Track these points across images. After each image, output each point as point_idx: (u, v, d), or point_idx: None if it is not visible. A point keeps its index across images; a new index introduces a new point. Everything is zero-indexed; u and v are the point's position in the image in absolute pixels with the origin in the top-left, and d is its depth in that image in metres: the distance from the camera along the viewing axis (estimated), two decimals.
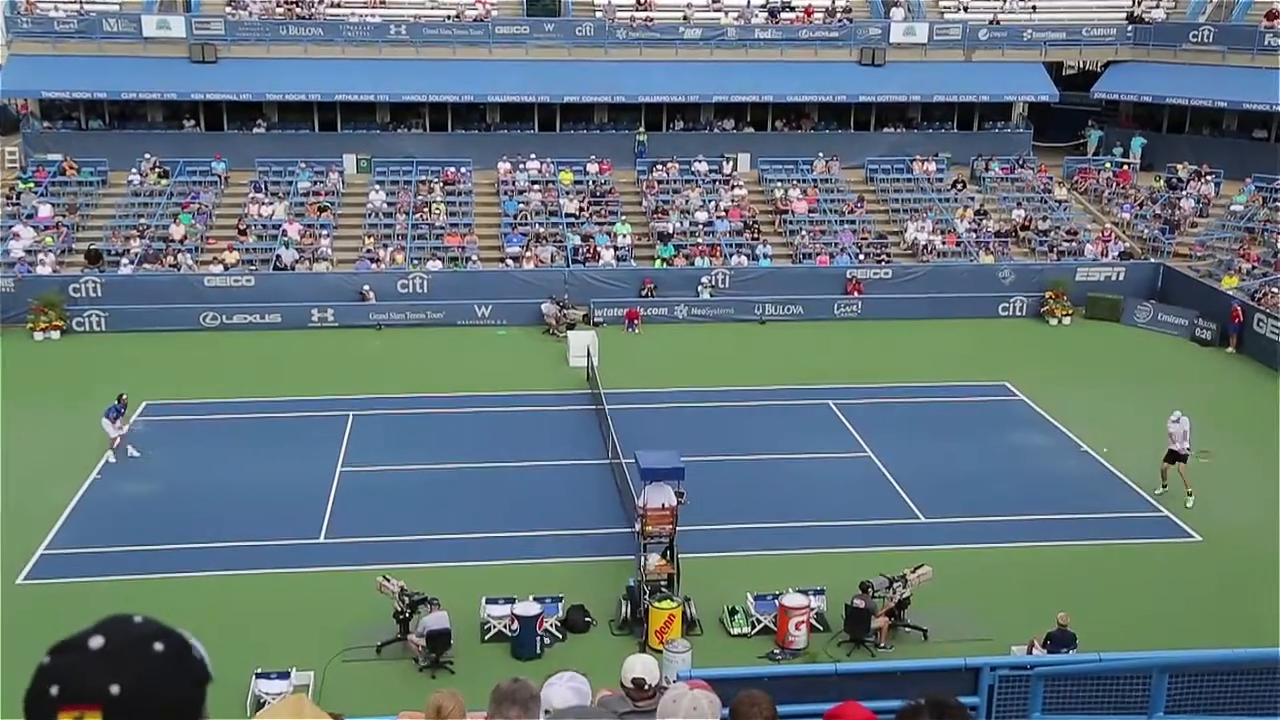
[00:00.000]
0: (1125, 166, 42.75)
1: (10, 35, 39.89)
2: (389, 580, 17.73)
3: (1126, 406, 28.51)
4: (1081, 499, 23.33)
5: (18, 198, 37.33)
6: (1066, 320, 35.29)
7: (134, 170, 39.11)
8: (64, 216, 36.69)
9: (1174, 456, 23.15)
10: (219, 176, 39.40)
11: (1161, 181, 41.57)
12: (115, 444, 24.05)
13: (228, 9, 41.53)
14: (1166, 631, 18.18)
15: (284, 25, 40.72)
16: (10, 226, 35.77)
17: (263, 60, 40.12)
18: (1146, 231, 38.97)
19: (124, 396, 24.67)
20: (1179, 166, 41.69)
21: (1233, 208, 39.47)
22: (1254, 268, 35.66)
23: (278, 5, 41.95)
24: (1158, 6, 45.40)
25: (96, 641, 1.95)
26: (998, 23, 43.90)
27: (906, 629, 18.15)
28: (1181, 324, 34.17)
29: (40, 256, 34.43)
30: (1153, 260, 37.45)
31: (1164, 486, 23.33)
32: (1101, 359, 32.38)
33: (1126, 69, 43.84)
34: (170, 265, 34.88)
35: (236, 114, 41.48)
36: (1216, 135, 43.37)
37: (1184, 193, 40.55)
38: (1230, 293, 33.78)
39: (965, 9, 44.83)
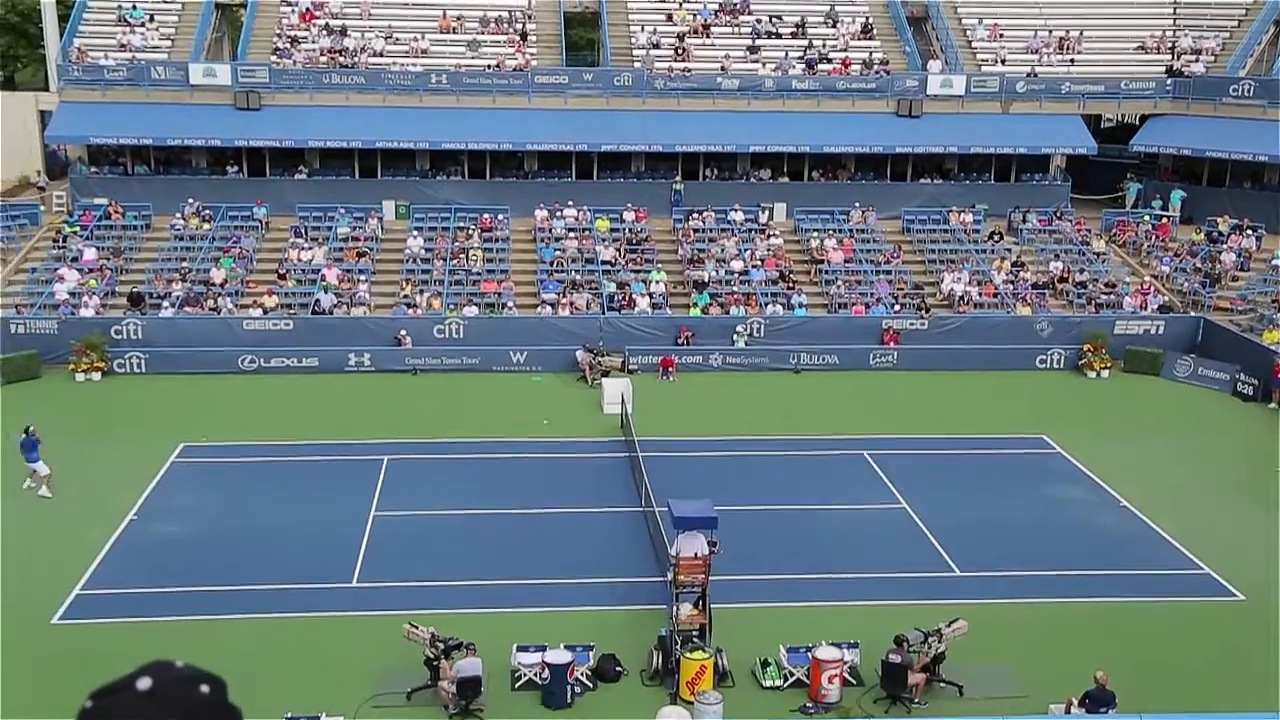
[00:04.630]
0: (1164, 219, 42.51)
1: (62, 83, 40.75)
2: (417, 627, 17.67)
3: (1166, 461, 28.18)
4: (1120, 554, 22.99)
5: (64, 241, 37.96)
6: (1105, 373, 34.98)
7: (177, 215, 39.71)
8: (108, 260, 37.25)
9: None
10: (260, 221, 39.92)
11: (1202, 235, 41.29)
12: (39, 476, 24.27)
13: (272, 58, 42.28)
14: (1207, 692, 17.85)
15: (327, 74, 41.38)
16: (56, 269, 36.36)
17: (305, 108, 40.78)
18: (1186, 285, 38.65)
19: (32, 429, 24.63)
20: (1220, 220, 41.40)
21: (1274, 262, 39.08)
22: None
23: (321, 54, 42.66)
24: (1197, 60, 45.34)
25: (144, 683, 1.97)
26: (1035, 75, 43.95)
27: (942, 685, 17.87)
28: (1223, 378, 33.79)
29: (84, 299, 34.95)
30: (1193, 314, 37.12)
31: None
32: (1141, 413, 32.04)
33: (1166, 122, 43.73)
34: (210, 308, 35.28)
35: (279, 160, 42.14)
36: (1258, 189, 43.09)
37: (1224, 246, 40.24)
38: (1272, 347, 33.39)
39: (1003, 61, 44.93)
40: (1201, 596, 21.36)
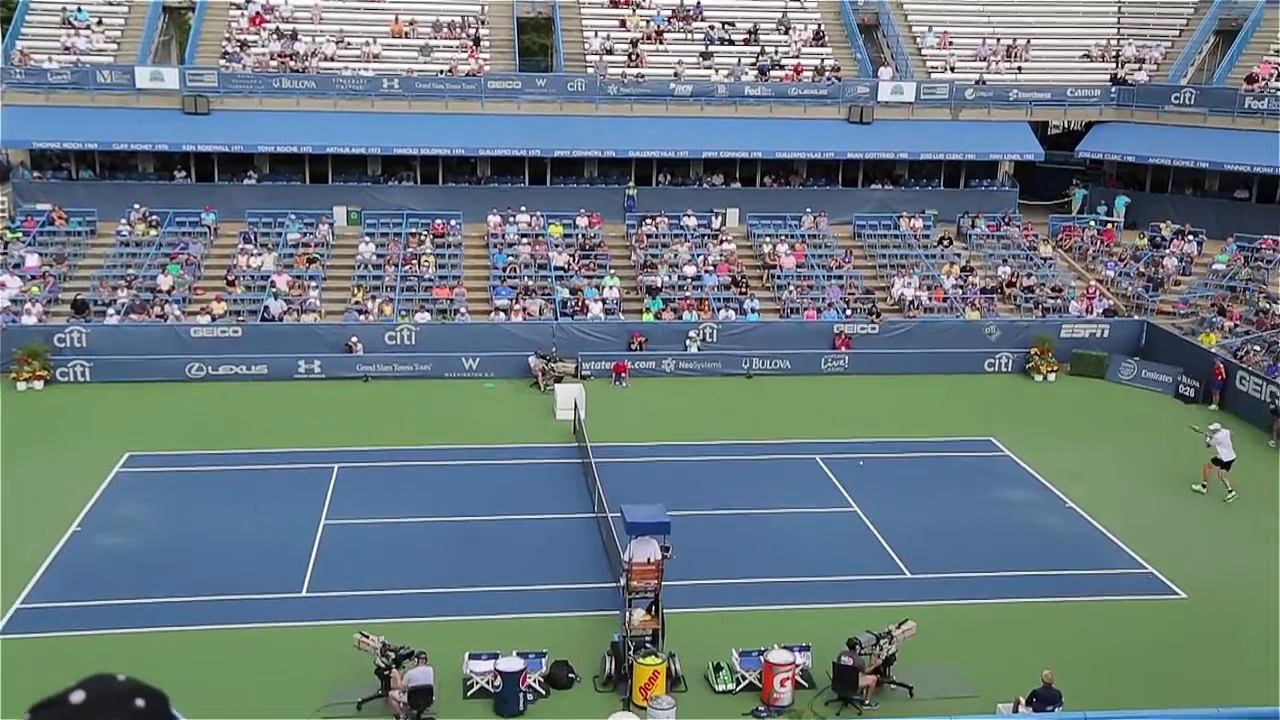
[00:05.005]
0: (1109, 225, 43.17)
1: (3, 86, 40.10)
2: (367, 636, 17.56)
3: (1111, 463, 28.61)
4: (1067, 555, 23.31)
5: (5, 247, 37.34)
6: (1052, 376, 35.43)
7: (123, 220, 39.19)
8: (51, 266, 36.69)
9: (1219, 463, 26.18)
10: (208, 227, 39.51)
11: (1145, 240, 41.96)
12: None
13: (221, 62, 41.86)
14: (1152, 690, 18.13)
15: (277, 78, 41.04)
16: None
17: (255, 112, 40.39)
18: (1130, 289, 39.27)
19: None
20: (1162, 225, 42.10)
21: (1215, 266, 39.84)
22: (1236, 325, 35.94)
23: (271, 58, 42.30)
24: (1140, 69, 46.08)
25: (78, 697, 1.96)
26: (984, 83, 44.47)
27: (892, 686, 18.03)
28: (1165, 381, 34.35)
29: (26, 306, 34.40)
30: (1136, 318, 37.72)
31: (1203, 487, 26.44)
32: (1086, 415, 32.49)
33: (1110, 129, 44.43)
34: (157, 316, 34.85)
35: (228, 165, 41.70)
36: (1199, 195, 43.86)
37: (1167, 251, 40.93)
38: (1213, 350, 34.00)
39: (952, 69, 45.44)
40: (1145, 595, 21.72)
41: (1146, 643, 19.90)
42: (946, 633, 19.61)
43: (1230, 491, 26.04)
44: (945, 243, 41.57)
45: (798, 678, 17.99)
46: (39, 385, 32.17)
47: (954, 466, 28.46)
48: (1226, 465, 26.16)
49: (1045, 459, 28.30)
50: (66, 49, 41.42)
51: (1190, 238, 41.32)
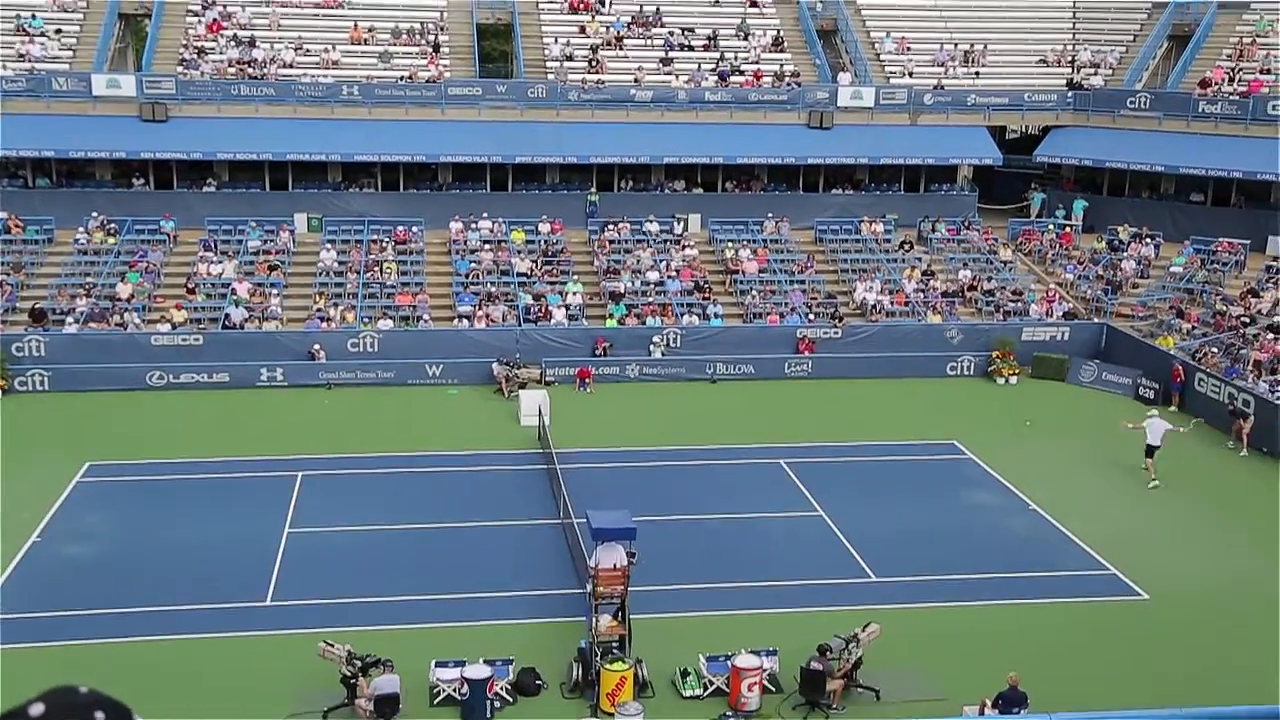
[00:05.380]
0: (1068, 228, 43.61)
1: None
2: (333, 645, 17.46)
3: (1073, 465, 28.88)
4: (1030, 557, 23.50)
5: None
6: (1014, 379, 35.72)
7: (81, 229, 38.75)
8: (8, 275, 36.22)
9: (1150, 450, 27.30)
10: (168, 235, 39.13)
11: (1103, 243, 42.42)
12: None
13: (179, 69, 41.49)
14: (1115, 691, 18.30)
15: (235, 85, 40.74)
16: None
17: (214, 119, 40.10)
18: (1089, 292, 39.68)
19: None
20: (1120, 229, 42.57)
21: (1172, 269, 40.32)
22: (1194, 328, 36.40)
23: (229, 65, 41.98)
24: (1096, 73, 46.62)
25: (37, 709, 1.95)
26: (942, 88, 44.84)
27: (859, 690, 18.10)
28: (1125, 383, 34.72)
29: None
30: (1096, 320, 38.11)
31: (1154, 480, 27.22)
32: (1048, 418, 32.77)
33: (1067, 133, 44.90)
34: (117, 324, 34.49)
35: (186, 173, 41.35)
36: (1155, 198, 44.39)
37: (1125, 254, 41.39)
38: (1171, 352, 34.40)
39: (910, 74, 45.77)
40: (1108, 596, 21.92)
41: (1111, 644, 20.08)
42: (912, 636, 19.71)
43: (1153, 480, 27.20)
44: (906, 247, 41.85)
45: (765, 682, 18.02)
46: None
47: (917, 470, 28.63)
48: (1150, 452, 27.37)
49: (1008, 462, 28.52)
50: (21, 56, 40.92)
51: (1148, 241, 41.80)
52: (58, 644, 19.01)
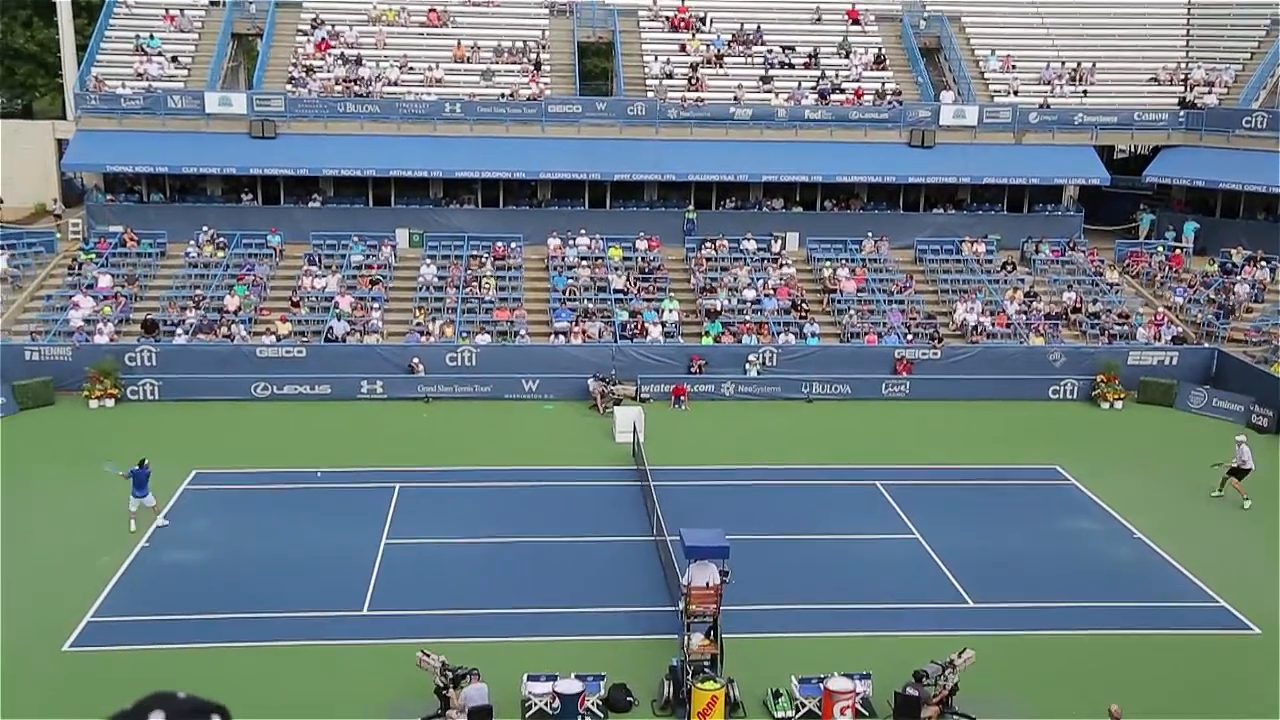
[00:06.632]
0: (1178, 250, 42.44)
1: (79, 112, 41.11)
2: (429, 655, 17.64)
3: (1180, 493, 28.02)
4: (1133, 586, 22.85)
5: (79, 268, 38.19)
6: (1119, 404, 34.85)
7: (192, 242, 39.93)
8: (123, 287, 37.44)
9: (1238, 472, 27.25)
10: (274, 249, 40.12)
11: (1215, 266, 41.21)
12: (147, 508, 24.24)
13: (288, 87, 42.58)
14: None
15: (342, 103, 41.67)
16: (71, 296, 36.56)
17: (320, 136, 41.06)
18: (1200, 316, 38.55)
19: (146, 461, 24.64)
20: (1233, 251, 41.32)
21: None
22: None
23: (336, 84, 42.96)
24: (1210, 92, 45.39)
25: (157, 717, 1.97)
26: (1048, 106, 44.05)
27: (955, 717, 17.75)
28: (1237, 410, 33.64)
29: (98, 326, 35.11)
30: (1207, 345, 37.00)
31: (1219, 493, 27.38)
32: (1155, 444, 31.89)
33: (1178, 153, 43.76)
34: (224, 335, 35.41)
35: (293, 188, 42.39)
36: (1272, 220, 43.01)
37: (1238, 278, 40.14)
38: None
39: (1015, 92, 45.04)
40: (1215, 629, 21.19)
41: (1216, 678, 19.41)
42: (1009, 663, 19.28)
43: (1247, 500, 27.10)
44: (1008, 268, 41.12)
45: (858, 706, 17.76)
46: (110, 403, 32.79)
47: (1018, 495, 28.04)
48: (1241, 474, 27.31)
49: (1112, 488, 27.79)
50: (139, 75, 42.37)
51: (1263, 264, 40.50)
52: (160, 647, 19.47)
